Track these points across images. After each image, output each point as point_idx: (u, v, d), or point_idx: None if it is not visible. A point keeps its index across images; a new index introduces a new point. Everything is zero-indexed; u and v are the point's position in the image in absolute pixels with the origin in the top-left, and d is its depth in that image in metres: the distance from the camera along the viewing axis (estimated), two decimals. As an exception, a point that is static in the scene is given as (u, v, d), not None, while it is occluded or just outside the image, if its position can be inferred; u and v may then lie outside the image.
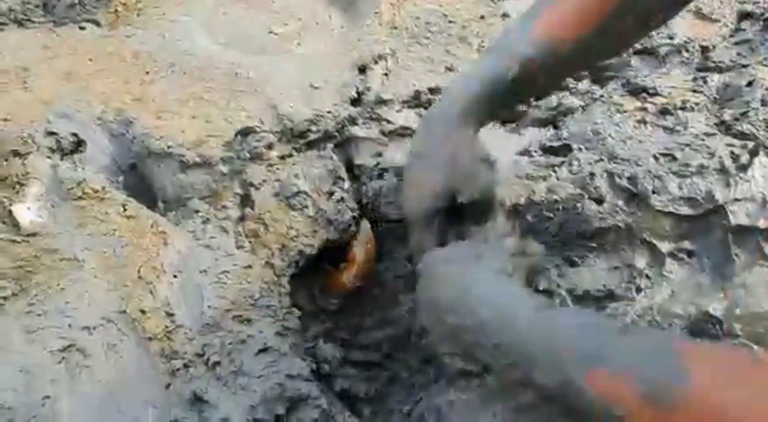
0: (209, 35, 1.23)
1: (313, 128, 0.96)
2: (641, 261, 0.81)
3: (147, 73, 1.12)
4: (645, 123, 0.96)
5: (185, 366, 0.74)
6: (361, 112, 0.99)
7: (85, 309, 0.77)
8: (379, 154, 0.95)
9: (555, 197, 0.85)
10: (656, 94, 1.02)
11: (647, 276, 0.79)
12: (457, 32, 1.15)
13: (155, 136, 0.98)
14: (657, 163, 0.88)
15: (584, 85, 1.08)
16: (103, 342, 0.75)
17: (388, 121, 0.98)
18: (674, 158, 0.88)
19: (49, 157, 0.96)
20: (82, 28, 1.23)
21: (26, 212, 0.87)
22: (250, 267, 0.85)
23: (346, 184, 0.95)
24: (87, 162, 0.98)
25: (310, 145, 0.96)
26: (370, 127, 0.97)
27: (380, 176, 0.93)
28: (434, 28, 1.14)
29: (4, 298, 0.78)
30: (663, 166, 0.87)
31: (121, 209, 0.88)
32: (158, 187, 0.94)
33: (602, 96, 1.04)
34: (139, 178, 0.97)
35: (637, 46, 1.08)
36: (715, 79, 1.04)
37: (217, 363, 0.75)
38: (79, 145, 0.99)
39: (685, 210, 0.83)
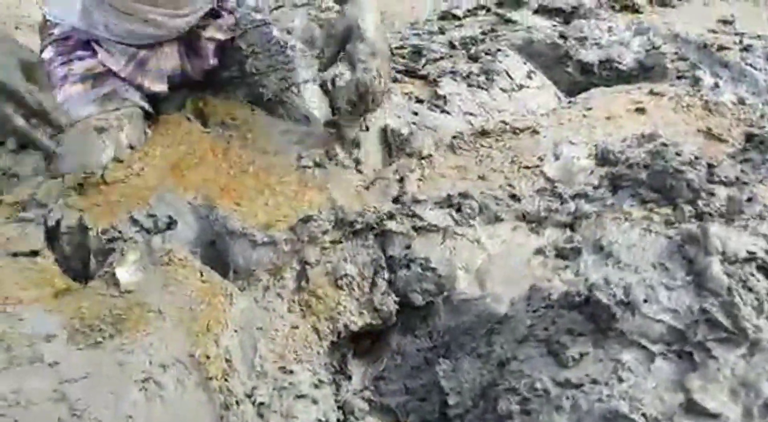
0: (287, 140, 1.48)
1: (359, 219, 1.16)
2: (627, 357, 0.90)
3: (231, 167, 1.37)
4: (650, 232, 1.09)
5: (236, 403, 0.91)
6: (400, 209, 1.18)
7: (163, 351, 0.96)
8: (408, 247, 1.13)
9: (554, 296, 0.99)
10: (662, 205, 1.16)
11: (630, 369, 0.89)
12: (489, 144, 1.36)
13: (233, 218, 1.20)
14: (654, 272, 0.99)
15: (600, 192, 1.24)
16: (174, 378, 0.93)
17: (420, 218, 1.16)
18: (666, 269, 1.00)
19: (147, 232, 1.20)
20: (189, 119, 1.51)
21: (125, 274, 1.09)
22: (297, 328, 1.03)
23: (387, 274, 1.12)
24: (175, 236, 1.20)
25: (356, 234, 1.15)
26: (403, 222, 1.16)
27: (407, 266, 1.11)
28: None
29: (103, 338, 0.98)
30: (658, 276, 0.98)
31: (199, 275, 1.09)
32: (231, 260, 1.15)
33: (613, 204, 1.19)
34: (216, 252, 1.18)
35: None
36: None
37: (262, 404, 0.92)
38: (171, 224, 1.23)
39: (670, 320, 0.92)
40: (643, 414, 0.81)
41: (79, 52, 1.46)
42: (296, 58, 1.61)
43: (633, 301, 0.94)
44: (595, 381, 0.88)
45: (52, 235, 1.20)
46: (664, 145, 1.27)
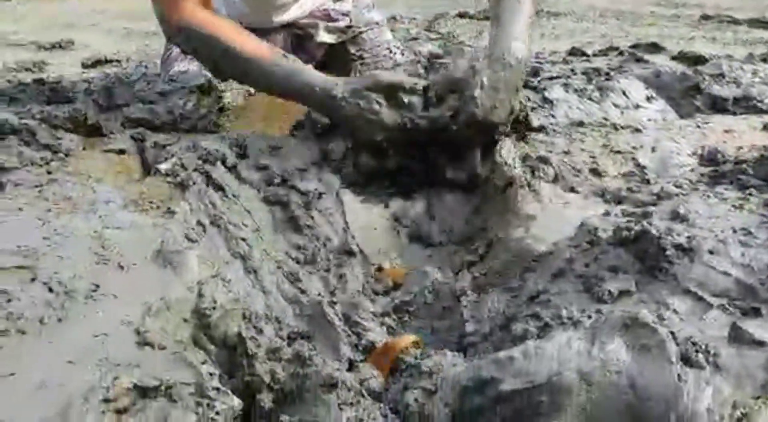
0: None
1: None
2: (677, 303, 0.77)
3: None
4: (741, 209, 0.95)
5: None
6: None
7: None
8: None
9: (602, 234, 0.88)
10: (764, 191, 1.00)
11: (676, 312, 0.75)
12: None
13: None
14: (732, 233, 0.86)
15: (696, 186, 1.10)
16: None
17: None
18: (748, 232, 0.86)
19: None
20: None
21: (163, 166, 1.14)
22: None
23: None
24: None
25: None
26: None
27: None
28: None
29: (150, 208, 1.02)
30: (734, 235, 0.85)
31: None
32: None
33: (705, 190, 1.06)
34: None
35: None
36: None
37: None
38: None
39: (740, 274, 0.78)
40: (671, 333, 0.67)
41: None
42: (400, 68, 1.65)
43: (696, 248, 0.81)
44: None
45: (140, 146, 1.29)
46: (784, 147, 1.13)
